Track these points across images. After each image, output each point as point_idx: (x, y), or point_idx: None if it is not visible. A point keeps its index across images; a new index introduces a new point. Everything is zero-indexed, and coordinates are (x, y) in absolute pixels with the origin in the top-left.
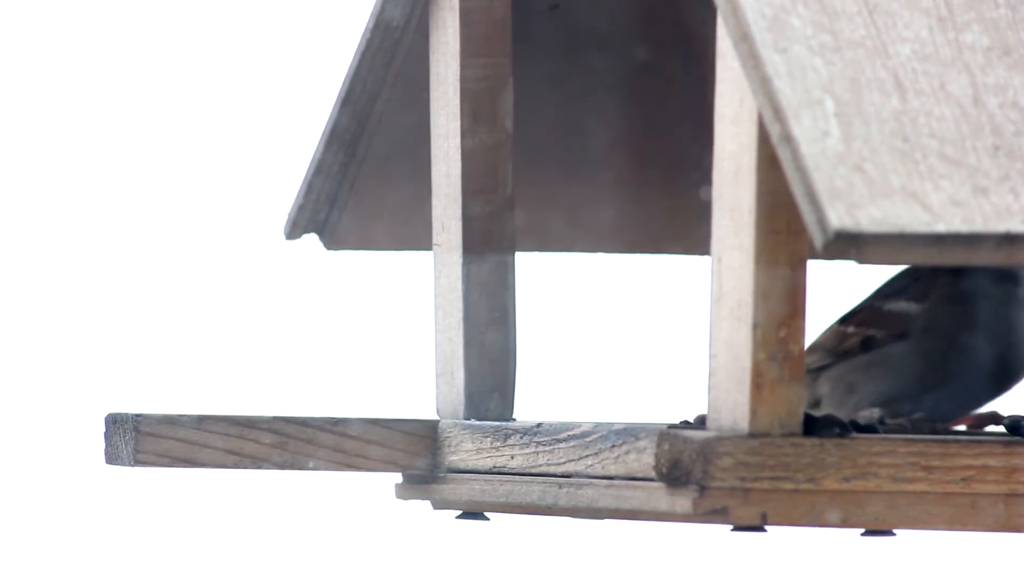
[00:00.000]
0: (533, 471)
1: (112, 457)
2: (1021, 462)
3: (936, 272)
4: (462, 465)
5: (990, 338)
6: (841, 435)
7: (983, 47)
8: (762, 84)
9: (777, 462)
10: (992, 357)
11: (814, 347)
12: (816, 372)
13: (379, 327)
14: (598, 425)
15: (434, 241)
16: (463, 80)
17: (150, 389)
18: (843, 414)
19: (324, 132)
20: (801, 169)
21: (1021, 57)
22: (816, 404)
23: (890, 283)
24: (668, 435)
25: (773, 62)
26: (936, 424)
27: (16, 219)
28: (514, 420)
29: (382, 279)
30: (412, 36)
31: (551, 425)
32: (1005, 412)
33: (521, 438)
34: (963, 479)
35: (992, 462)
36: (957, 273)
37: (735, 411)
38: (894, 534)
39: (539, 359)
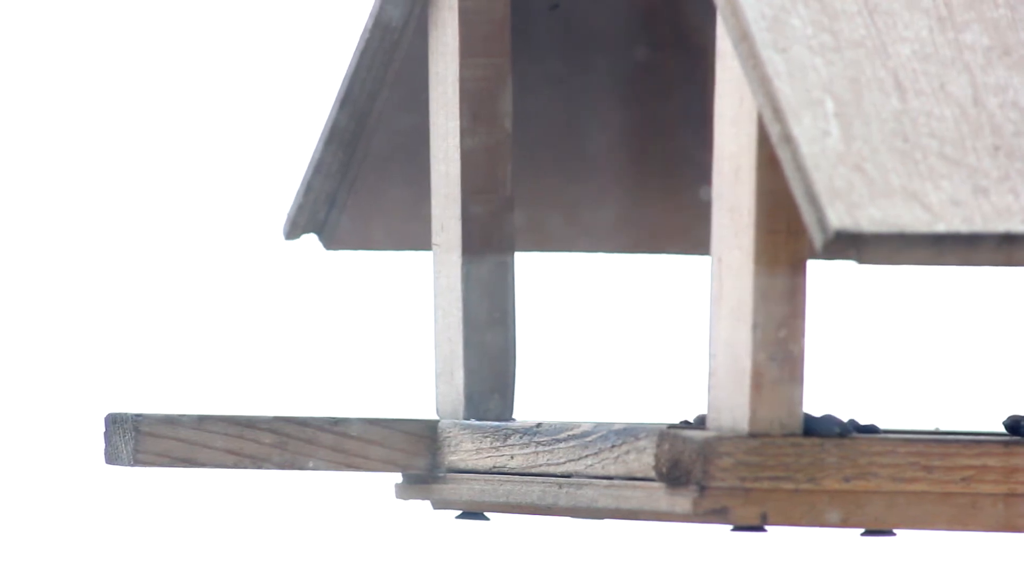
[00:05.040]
0: (533, 471)
1: (112, 457)
2: (1021, 462)
3: None
4: (462, 465)
5: None
6: (841, 435)
7: (983, 47)
8: (762, 84)
9: (777, 462)
10: None
11: None
12: None
13: (378, 327)
14: (598, 425)
15: (433, 241)
16: (462, 80)
17: (150, 389)
18: None
19: (323, 132)
20: (801, 169)
21: (1021, 57)
22: None
23: None
24: (668, 435)
25: (773, 62)
26: None
27: (16, 219)
28: (514, 420)
29: (381, 279)
30: (411, 36)
31: (551, 425)
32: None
33: (521, 438)
34: (963, 479)
35: (992, 462)
36: None
37: (735, 411)
38: (894, 534)
39: (539, 359)
